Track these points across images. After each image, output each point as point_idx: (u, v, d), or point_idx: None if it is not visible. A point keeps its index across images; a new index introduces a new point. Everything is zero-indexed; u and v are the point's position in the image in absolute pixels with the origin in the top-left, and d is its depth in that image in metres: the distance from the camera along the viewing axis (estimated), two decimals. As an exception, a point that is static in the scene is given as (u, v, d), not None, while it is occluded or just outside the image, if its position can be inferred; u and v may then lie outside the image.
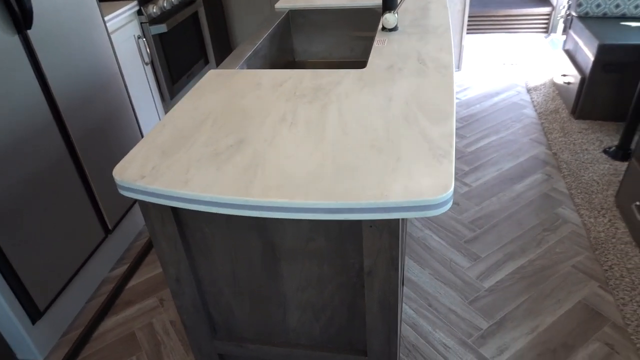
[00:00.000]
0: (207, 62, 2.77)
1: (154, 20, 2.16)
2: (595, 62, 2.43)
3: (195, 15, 2.59)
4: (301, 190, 0.77)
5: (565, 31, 2.95)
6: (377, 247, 0.88)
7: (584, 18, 2.72)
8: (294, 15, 1.76)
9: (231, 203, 0.79)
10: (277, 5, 1.78)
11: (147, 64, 2.15)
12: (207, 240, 0.98)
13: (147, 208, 0.93)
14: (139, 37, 2.09)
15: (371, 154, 0.85)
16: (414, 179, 0.78)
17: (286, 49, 1.78)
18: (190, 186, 0.81)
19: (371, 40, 1.76)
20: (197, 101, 1.10)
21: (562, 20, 3.86)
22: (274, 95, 1.10)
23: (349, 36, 1.77)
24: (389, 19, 1.37)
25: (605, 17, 2.70)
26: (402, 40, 1.35)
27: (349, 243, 0.91)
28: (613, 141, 2.43)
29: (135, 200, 2.01)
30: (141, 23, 2.12)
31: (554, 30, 3.89)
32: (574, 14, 2.78)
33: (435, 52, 1.26)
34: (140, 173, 0.86)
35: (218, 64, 2.82)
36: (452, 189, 0.75)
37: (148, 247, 2.00)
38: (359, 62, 1.78)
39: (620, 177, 2.19)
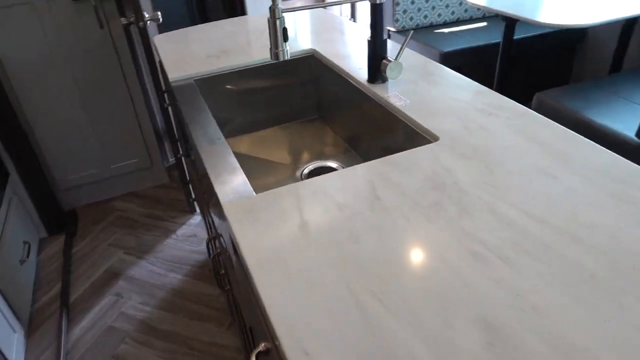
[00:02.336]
0: (6, 175, 1.90)
1: None
2: (439, 70, 2.55)
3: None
4: None
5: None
6: None
7: (402, 32, 2.85)
8: (198, 85, 1.27)
9: None
10: (174, 77, 1.25)
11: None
12: None
13: None
14: None
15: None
16: None
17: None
18: None
19: (302, 96, 1.40)
20: (292, 281, 0.61)
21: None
22: (392, 217, 0.69)
23: (274, 96, 1.37)
24: (395, 68, 1.06)
25: (419, 28, 2.88)
26: (420, 92, 1.06)
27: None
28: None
29: None
30: None
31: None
32: (392, 29, 2.89)
33: (481, 97, 1.01)
34: None
35: (22, 175, 1.97)
36: None
37: None
38: (305, 124, 1.40)
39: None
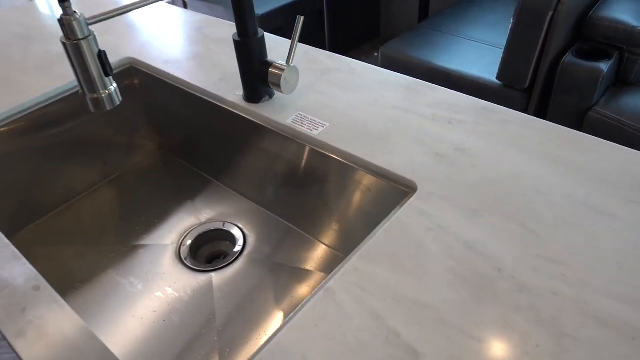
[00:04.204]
0: None
1: None
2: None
3: None
4: None
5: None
6: None
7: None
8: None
9: None
10: None
11: None
12: None
13: None
14: None
15: None
16: None
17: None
18: None
19: (131, 131, 0.94)
20: None
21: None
22: None
23: (87, 140, 0.89)
24: (292, 78, 0.69)
25: (218, -11, 2.44)
26: (331, 103, 0.72)
27: None
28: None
29: None
30: None
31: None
32: None
33: (417, 96, 0.73)
34: None
35: None
36: None
37: None
38: (146, 171, 0.94)
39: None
